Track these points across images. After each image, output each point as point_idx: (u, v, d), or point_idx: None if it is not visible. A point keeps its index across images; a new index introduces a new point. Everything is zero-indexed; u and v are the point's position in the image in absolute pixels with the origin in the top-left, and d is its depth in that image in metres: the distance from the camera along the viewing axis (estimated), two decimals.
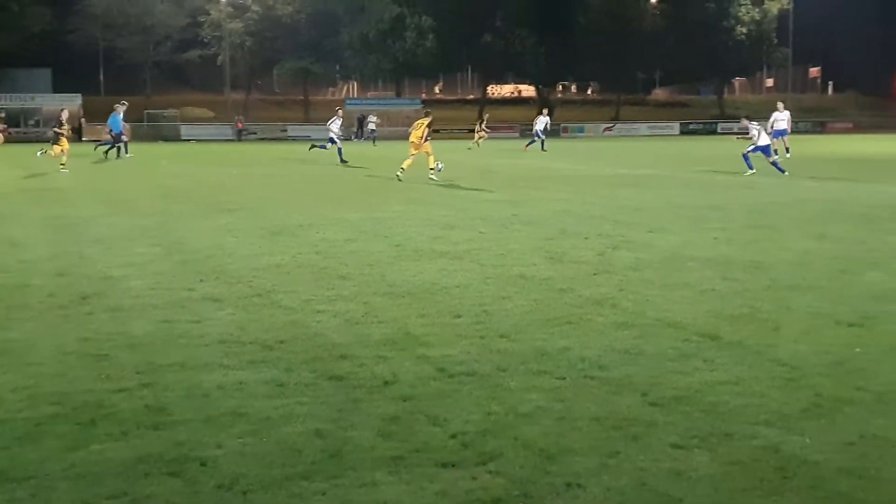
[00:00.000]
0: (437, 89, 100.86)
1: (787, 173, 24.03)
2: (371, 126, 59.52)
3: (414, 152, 23.49)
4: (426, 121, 23.91)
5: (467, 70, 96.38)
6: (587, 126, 78.96)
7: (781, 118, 34.07)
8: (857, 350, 6.54)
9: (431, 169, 23.22)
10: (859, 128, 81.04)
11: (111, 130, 34.11)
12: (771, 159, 24.85)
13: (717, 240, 12.20)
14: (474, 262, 10.43)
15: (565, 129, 76.04)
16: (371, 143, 55.77)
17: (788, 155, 33.60)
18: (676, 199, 18.27)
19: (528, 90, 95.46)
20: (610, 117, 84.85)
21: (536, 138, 43.29)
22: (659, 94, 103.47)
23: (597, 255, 10.97)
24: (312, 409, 5.35)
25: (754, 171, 24.39)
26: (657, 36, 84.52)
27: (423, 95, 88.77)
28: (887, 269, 9.78)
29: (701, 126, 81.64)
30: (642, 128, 79.95)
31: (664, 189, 20.77)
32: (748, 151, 24.83)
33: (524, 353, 6.55)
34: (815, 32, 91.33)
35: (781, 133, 34.04)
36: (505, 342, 6.84)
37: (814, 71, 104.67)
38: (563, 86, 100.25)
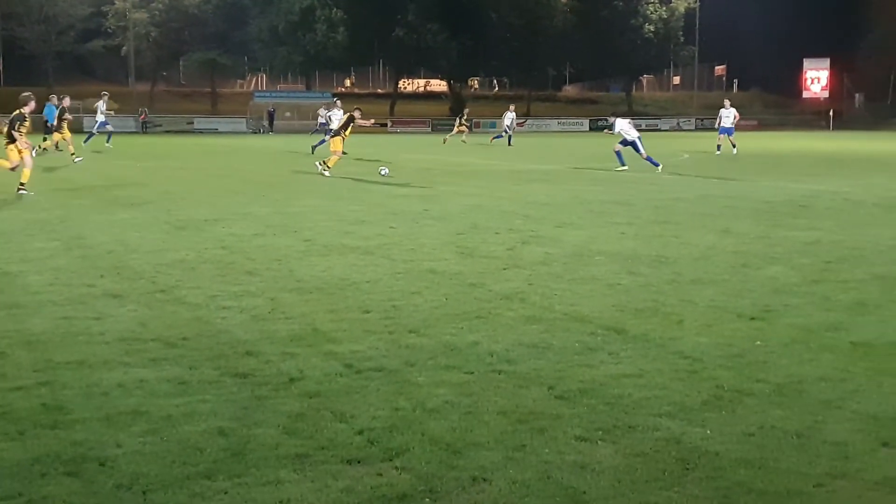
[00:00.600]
0: (348, 82, 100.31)
1: (660, 167, 24.41)
2: (322, 119, 58.53)
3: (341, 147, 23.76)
4: (352, 115, 23.74)
5: (379, 64, 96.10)
6: (499, 121, 79.40)
7: (727, 115, 35.54)
8: (758, 343, 6.69)
9: (324, 163, 23.31)
10: (763, 125, 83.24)
11: (47, 121, 33.24)
12: (644, 154, 24.91)
13: (624, 235, 12.38)
14: (384, 258, 10.39)
15: (477, 124, 76.35)
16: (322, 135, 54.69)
17: (735, 151, 34.74)
18: (585, 194, 18.49)
19: (439, 85, 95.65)
20: (521, 113, 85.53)
21: (504, 133, 43.77)
22: (569, 90, 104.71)
23: (507, 249, 11.03)
24: (215, 407, 5.25)
25: (626, 167, 24.80)
26: (567, 33, 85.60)
27: (339, 88, 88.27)
28: (787, 264, 10.03)
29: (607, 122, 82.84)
30: (553, 123, 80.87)
31: (573, 184, 21.01)
32: (618, 148, 25.25)
33: (433, 348, 6.54)
34: (720, 31, 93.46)
35: (728, 130, 35.48)
36: (414, 337, 6.82)
37: (719, 69, 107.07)
38: (475, 81, 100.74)
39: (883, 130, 70.71)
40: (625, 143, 25.04)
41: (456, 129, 47.25)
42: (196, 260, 10.15)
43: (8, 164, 17.99)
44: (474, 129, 71.67)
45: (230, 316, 7.48)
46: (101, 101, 36.43)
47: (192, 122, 70.71)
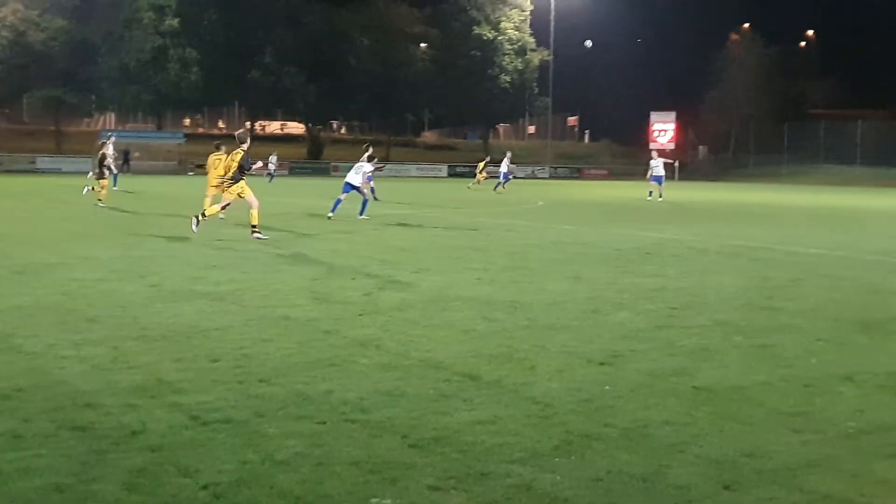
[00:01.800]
0: (200, 123, 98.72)
1: (363, 216, 23.50)
2: (272, 165, 57.45)
3: (214, 193, 21.08)
4: (223, 155, 19.97)
5: (235, 104, 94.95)
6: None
7: (656, 164, 38.76)
8: (606, 387, 6.81)
9: (216, 213, 19.44)
10: (613, 174, 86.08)
11: None
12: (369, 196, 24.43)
13: (480, 280, 12.49)
14: (235, 304, 10.16)
15: (335, 168, 76.25)
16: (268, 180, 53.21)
17: (661, 199, 37.23)
18: (442, 239, 18.63)
19: (297, 127, 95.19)
20: (380, 157, 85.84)
21: (504, 179, 44.88)
22: (428, 136, 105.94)
23: (363, 295, 10.96)
24: (52, 461, 4.98)
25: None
26: (426, 80, 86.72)
27: (201, 130, 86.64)
28: (634, 310, 10.30)
29: (468, 169, 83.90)
30: (412, 169, 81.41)
31: (430, 230, 21.15)
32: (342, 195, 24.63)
33: (284, 397, 6.39)
34: (573, 83, 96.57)
35: (658, 179, 38.56)
36: (265, 387, 6.66)
37: (572, 120, 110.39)
38: (334, 125, 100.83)
39: (724, 181, 74.11)
40: (349, 187, 24.48)
41: (478, 177, 48.51)
42: (34, 306, 9.68)
43: (217, 209, 18.42)
44: (332, 173, 71.55)
45: (69, 366, 7.13)
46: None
47: (35, 162, 67.91)
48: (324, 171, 75.70)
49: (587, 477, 4.92)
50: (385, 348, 8.03)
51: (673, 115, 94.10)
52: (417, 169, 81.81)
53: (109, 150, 29.72)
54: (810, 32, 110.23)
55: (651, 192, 38.80)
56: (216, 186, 20.80)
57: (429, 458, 5.19)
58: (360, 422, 5.85)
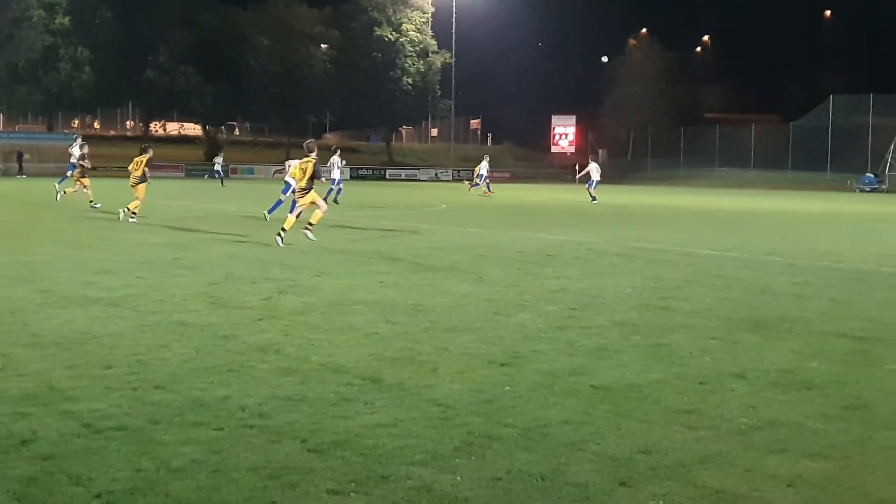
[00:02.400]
0: (94, 124, 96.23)
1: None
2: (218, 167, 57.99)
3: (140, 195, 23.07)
4: (145, 158, 23.13)
5: (129, 105, 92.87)
6: (257, 168, 78.64)
7: (594, 169, 41.04)
8: (507, 388, 6.87)
9: (132, 211, 22.69)
10: (515, 177, 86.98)
11: None
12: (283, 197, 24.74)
13: (383, 283, 12.46)
14: (130, 309, 9.93)
15: (234, 171, 75.29)
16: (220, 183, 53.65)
17: (595, 202, 39.11)
18: (345, 243, 18.52)
19: (194, 129, 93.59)
20: (281, 160, 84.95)
21: (480, 181, 45.68)
22: (330, 138, 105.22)
23: (263, 299, 10.83)
24: None
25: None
26: (327, 82, 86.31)
27: (91, 130, 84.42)
28: (536, 311, 10.41)
29: (370, 172, 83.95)
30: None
31: (333, 233, 21.00)
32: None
33: (180, 404, 6.27)
34: (475, 87, 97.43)
35: (591, 182, 40.71)
36: (160, 393, 6.52)
37: (474, 122, 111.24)
38: (233, 126, 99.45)
39: (623, 184, 75.50)
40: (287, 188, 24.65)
41: (474, 181, 48.37)
42: None
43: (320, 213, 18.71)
44: (231, 175, 70.55)
45: None
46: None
47: None
48: (223, 173, 74.56)
49: (487, 477, 4.94)
50: (285, 353, 7.94)
51: (573, 118, 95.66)
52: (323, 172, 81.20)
53: (76, 150, 29.89)
54: (706, 38, 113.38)
55: (594, 197, 40.44)
56: (134, 186, 22.99)
57: (329, 462, 5.15)
58: (259, 427, 5.78)
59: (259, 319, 9.51)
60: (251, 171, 77.71)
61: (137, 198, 23.06)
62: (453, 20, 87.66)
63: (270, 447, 5.40)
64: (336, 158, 31.92)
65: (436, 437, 5.64)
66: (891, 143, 75.37)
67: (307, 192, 18.50)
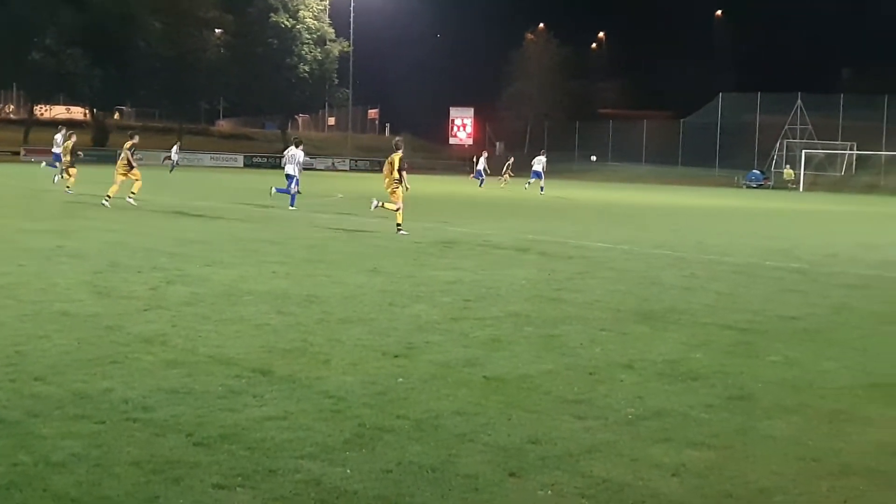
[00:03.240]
0: None
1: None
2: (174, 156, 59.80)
3: (122, 180, 24.21)
4: (130, 143, 24.37)
5: (12, 88, 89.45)
6: (147, 154, 76.72)
7: (537, 162, 43.16)
8: (400, 380, 6.84)
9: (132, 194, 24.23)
10: (414, 168, 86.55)
11: None
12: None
13: (276, 274, 12.29)
14: (10, 298, 9.55)
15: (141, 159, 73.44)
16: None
17: (543, 193, 41.22)
18: (237, 232, 18.24)
19: (82, 113, 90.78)
20: (171, 146, 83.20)
21: (478, 177, 47.93)
22: (223, 125, 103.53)
23: (150, 289, 10.55)
24: None
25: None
26: (221, 67, 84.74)
27: None
28: (430, 302, 10.41)
29: (265, 159, 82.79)
30: (206, 158, 79.38)
31: (225, 221, 20.66)
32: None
33: (61, 396, 6.06)
34: (373, 76, 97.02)
35: (539, 174, 42.87)
36: (40, 385, 6.29)
37: (372, 112, 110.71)
38: (121, 111, 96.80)
39: (520, 177, 76.25)
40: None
41: (505, 175, 50.34)
42: None
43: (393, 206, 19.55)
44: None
45: None
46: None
47: None
48: (110, 160, 72.69)
49: (377, 469, 4.90)
50: (171, 344, 7.75)
51: (471, 111, 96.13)
52: (212, 158, 79.83)
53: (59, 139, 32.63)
54: (601, 35, 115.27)
55: (539, 188, 42.80)
56: (122, 174, 24.37)
57: (215, 455, 5.04)
58: (143, 421, 5.62)
59: (145, 310, 9.26)
60: (140, 158, 75.80)
61: (136, 179, 24.68)
62: (351, 8, 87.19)
63: (154, 441, 5.26)
64: (298, 152, 30.93)
65: (326, 429, 5.57)
66: (777, 140, 78.01)
67: (399, 185, 19.85)
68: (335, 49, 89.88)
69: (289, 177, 26.83)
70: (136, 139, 25.17)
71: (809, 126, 77.41)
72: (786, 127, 78.63)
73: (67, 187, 28.78)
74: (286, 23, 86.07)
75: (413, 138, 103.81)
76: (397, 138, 21.80)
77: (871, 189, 70.60)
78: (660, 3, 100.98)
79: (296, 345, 7.90)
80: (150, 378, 6.62)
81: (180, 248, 14.94)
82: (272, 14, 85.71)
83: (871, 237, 23.19)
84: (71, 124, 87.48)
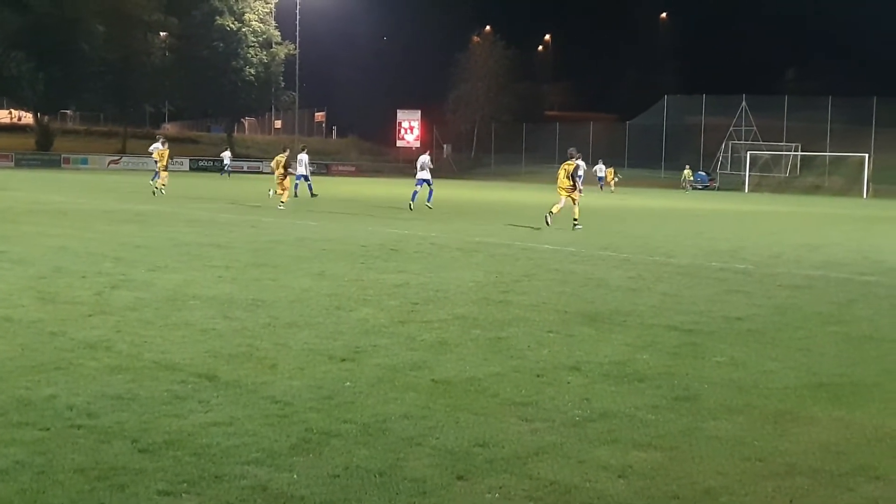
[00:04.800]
0: None
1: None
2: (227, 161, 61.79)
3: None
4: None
5: None
6: (91, 158, 75.74)
7: (422, 164, 41.11)
8: (347, 384, 6.82)
9: None
10: (360, 171, 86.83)
11: None
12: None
13: (221, 278, 12.20)
14: None
15: (66, 161, 72.35)
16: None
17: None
18: (181, 236, 18.05)
19: (25, 117, 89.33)
20: (116, 150, 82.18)
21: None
22: (169, 128, 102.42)
23: (94, 294, 10.42)
24: None
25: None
26: (166, 70, 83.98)
27: None
28: (377, 305, 10.40)
29: (211, 163, 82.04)
30: (150, 162, 78.31)
31: (169, 226, 20.44)
32: None
33: (4, 403, 5.97)
34: (319, 79, 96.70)
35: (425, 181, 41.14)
36: None
37: (319, 115, 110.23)
38: (66, 115, 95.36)
39: (466, 179, 76.54)
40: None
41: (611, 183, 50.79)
42: None
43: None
44: (63, 166, 67.68)
45: None
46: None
47: None
48: (54, 164, 71.61)
49: (324, 474, 4.90)
50: (116, 350, 7.66)
51: (418, 113, 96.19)
52: (156, 162, 78.82)
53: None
54: (547, 37, 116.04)
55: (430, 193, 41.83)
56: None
57: (160, 462, 4.99)
58: (87, 427, 5.55)
59: (89, 315, 9.14)
60: (85, 161, 74.79)
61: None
62: (297, 11, 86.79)
63: (99, 448, 5.20)
64: (304, 156, 34.88)
65: (272, 434, 5.55)
66: (722, 141, 79.08)
67: (574, 190, 23.59)
68: (281, 52, 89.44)
69: (300, 177, 32.88)
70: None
71: (754, 127, 78.55)
72: (731, 128, 79.74)
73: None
74: (231, 26, 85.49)
75: (360, 141, 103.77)
76: (571, 149, 24.88)
77: (815, 190, 71.86)
78: (605, 6, 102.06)
79: (242, 350, 7.85)
80: (95, 384, 6.54)
81: (125, 252, 14.77)
82: (217, 17, 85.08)
83: (815, 238, 23.60)
84: (14, 128, 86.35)
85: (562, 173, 23.96)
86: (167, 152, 36.24)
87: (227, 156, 67.84)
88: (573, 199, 23.72)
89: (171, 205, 28.62)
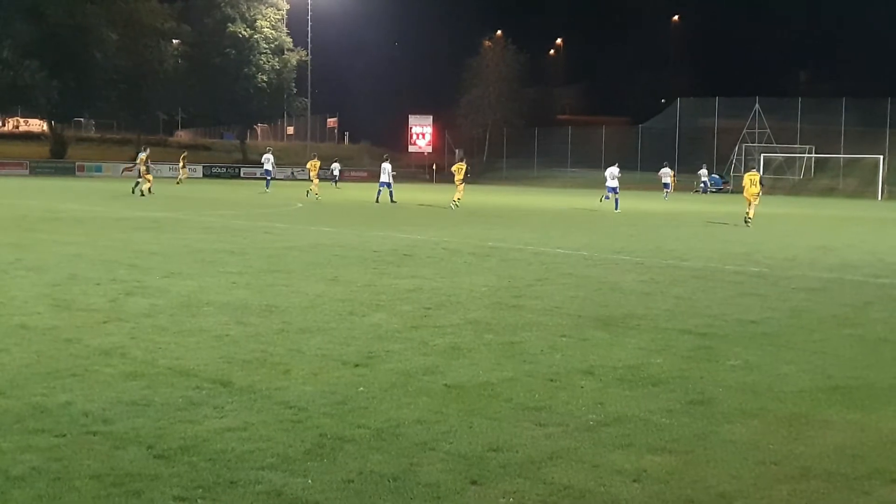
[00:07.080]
0: None
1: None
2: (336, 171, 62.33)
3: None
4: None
5: None
6: (105, 165, 76.04)
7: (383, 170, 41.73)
8: (361, 389, 6.84)
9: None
10: (373, 176, 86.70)
11: None
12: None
13: (235, 284, 12.24)
14: None
15: (81, 168, 72.69)
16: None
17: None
18: (196, 242, 18.12)
19: (39, 125, 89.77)
20: (130, 157, 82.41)
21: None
22: (182, 135, 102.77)
23: (109, 301, 10.48)
24: None
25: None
26: (179, 78, 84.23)
27: None
28: (390, 311, 10.42)
29: (224, 170, 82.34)
30: (164, 169, 78.62)
31: (183, 232, 20.52)
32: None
33: (20, 410, 6.01)
34: (332, 85, 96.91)
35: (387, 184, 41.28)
36: None
37: (331, 121, 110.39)
38: (80, 122, 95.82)
39: (479, 184, 76.42)
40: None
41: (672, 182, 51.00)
42: None
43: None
44: (78, 173, 67.98)
45: None
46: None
47: None
48: (68, 171, 71.92)
49: (338, 479, 4.91)
50: (131, 356, 7.70)
51: (430, 118, 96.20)
52: (171, 169, 79.09)
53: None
54: (559, 41, 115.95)
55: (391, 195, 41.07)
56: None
57: (175, 468, 5.02)
58: (103, 433, 5.58)
59: (104, 322, 9.19)
60: (99, 169, 75.08)
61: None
62: (309, 17, 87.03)
63: (114, 454, 5.23)
64: (387, 165, 38.40)
65: (287, 440, 5.57)
66: (735, 144, 78.81)
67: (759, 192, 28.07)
68: (293, 58, 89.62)
69: (382, 184, 37.09)
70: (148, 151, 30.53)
71: (768, 130, 78.21)
72: (744, 131, 79.48)
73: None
74: (243, 33, 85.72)
75: (372, 146, 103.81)
76: (751, 159, 27.45)
77: (829, 192, 71.49)
78: (617, 9, 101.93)
79: (255, 355, 7.88)
80: (110, 390, 6.58)
81: (139, 259, 14.83)
82: (229, 24, 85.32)
83: (829, 240, 23.50)
84: (28, 136, 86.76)
85: (747, 181, 28.71)
86: (145, 156, 38.25)
87: (268, 159, 52.74)
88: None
89: (187, 212, 28.71)
